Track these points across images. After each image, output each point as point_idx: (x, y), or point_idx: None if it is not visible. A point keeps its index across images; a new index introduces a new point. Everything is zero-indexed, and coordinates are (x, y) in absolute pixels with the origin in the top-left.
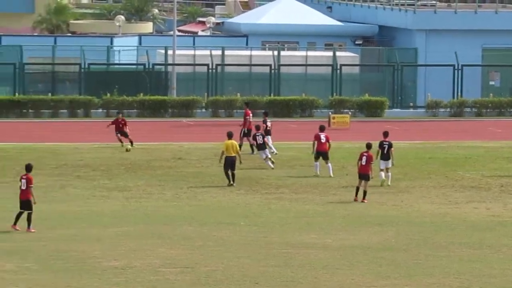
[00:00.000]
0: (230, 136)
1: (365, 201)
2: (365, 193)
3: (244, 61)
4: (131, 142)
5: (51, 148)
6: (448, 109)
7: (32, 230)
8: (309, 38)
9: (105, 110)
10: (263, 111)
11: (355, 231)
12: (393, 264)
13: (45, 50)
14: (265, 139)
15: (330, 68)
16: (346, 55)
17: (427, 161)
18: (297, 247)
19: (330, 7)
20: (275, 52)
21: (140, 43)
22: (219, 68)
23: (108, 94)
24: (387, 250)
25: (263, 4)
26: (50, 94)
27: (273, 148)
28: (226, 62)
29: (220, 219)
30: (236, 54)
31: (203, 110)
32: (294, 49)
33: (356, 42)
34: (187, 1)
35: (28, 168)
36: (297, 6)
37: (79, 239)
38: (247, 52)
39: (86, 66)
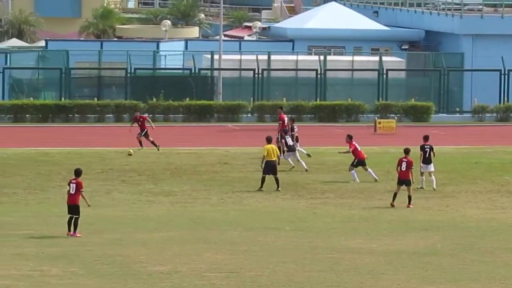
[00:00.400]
0: (269, 140)
1: (411, 206)
2: (410, 198)
3: (290, 66)
4: (155, 145)
5: (97, 152)
6: (494, 114)
7: (78, 235)
8: (355, 43)
9: (151, 115)
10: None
11: (401, 236)
12: (439, 269)
13: (92, 55)
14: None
15: (376, 73)
16: (392, 60)
17: (473, 166)
18: (343, 252)
19: (376, 12)
20: (321, 57)
21: (186, 47)
22: (265, 73)
23: (154, 99)
24: (433, 255)
25: (309, 8)
26: (96, 99)
27: (304, 152)
28: (272, 67)
29: (265, 224)
30: (282, 59)
31: (249, 115)
32: (340, 54)
33: (402, 47)
34: (234, 5)
35: (78, 173)
36: (343, 11)
37: (125, 244)
38: (293, 57)
39: (132, 71)
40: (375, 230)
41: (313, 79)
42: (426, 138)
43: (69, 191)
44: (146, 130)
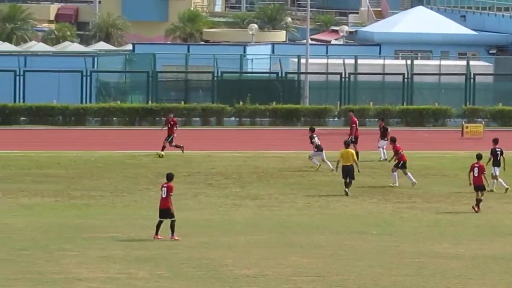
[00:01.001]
0: (347, 145)
1: (478, 210)
2: (479, 201)
3: (377, 70)
4: (179, 147)
5: (184, 156)
6: None
7: (176, 238)
8: (443, 47)
9: (237, 119)
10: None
11: (488, 241)
12: None
13: (178, 58)
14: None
15: (463, 77)
16: (479, 64)
17: None
18: (429, 256)
19: (463, 16)
20: (408, 61)
21: (273, 51)
22: (351, 77)
23: (241, 103)
24: None
25: (396, 12)
26: (182, 102)
27: (329, 164)
28: (359, 71)
29: (352, 228)
30: (369, 63)
31: (336, 118)
32: (427, 58)
33: (490, 51)
34: (321, 9)
35: (169, 177)
36: (430, 15)
37: (211, 247)
38: (380, 61)
39: (219, 74)
40: (462, 234)
41: (400, 83)
42: (496, 141)
43: (161, 195)
44: (172, 136)
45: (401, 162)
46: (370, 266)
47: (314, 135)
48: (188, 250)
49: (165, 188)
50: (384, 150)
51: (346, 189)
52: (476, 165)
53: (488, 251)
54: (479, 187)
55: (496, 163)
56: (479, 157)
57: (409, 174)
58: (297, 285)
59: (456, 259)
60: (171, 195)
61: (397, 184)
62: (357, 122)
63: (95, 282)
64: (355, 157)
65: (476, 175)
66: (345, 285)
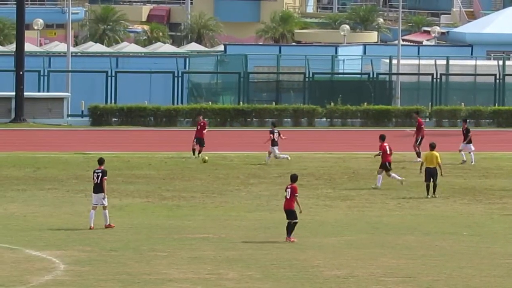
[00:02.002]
0: (433, 147)
1: None
2: None
3: (469, 71)
4: (198, 152)
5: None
6: None
7: (293, 239)
8: None
9: (328, 120)
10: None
11: None
12: None
13: (270, 59)
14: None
15: None
16: None
17: None
18: None
19: None
20: (500, 62)
21: (364, 52)
22: (443, 77)
23: (332, 103)
24: None
25: (488, 13)
26: (274, 103)
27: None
28: (450, 72)
29: (442, 228)
30: (461, 63)
31: (427, 119)
32: None
33: None
34: (413, 10)
35: (294, 178)
36: None
37: (302, 248)
38: (472, 62)
39: (311, 75)
40: None
41: (492, 84)
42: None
43: (286, 195)
44: (200, 137)
45: (383, 163)
46: (460, 267)
47: (275, 130)
48: (279, 250)
49: (290, 189)
50: (471, 153)
51: (429, 195)
52: None
53: None
54: None
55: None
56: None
57: (393, 174)
58: (387, 286)
59: None
60: (296, 195)
61: (379, 185)
62: (424, 123)
63: (186, 283)
64: (439, 160)
65: None
66: (435, 286)
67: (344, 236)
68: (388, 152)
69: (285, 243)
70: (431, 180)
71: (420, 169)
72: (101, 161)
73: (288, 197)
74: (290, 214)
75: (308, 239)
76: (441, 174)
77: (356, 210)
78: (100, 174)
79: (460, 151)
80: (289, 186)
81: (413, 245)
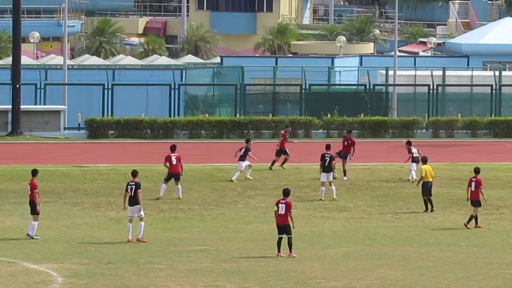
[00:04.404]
0: (425, 161)
1: (477, 226)
2: (475, 218)
3: (465, 82)
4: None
5: (272, 168)
6: None
7: (294, 255)
8: None
9: (325, 131)
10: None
11: None
12: None
13: (267, 71)
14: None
15: None
16: None
17: None
18: None
19: None
20: (497, 72)
21: (361, 63)
22: (440, 88)
23: (329, 115)
24: None
25: (484, 24)
26: (270, 114)
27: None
28: (447, 83)
29: (440, 239)
30: (457, 74)
31: (424, 130)
32: None
33: None
34: (409, 21)
35: (286, 192)
36: None
37: (299, 260)
38: (468, 73)
39: (307, 86)
40: None
41: (488, 95)
42: (327, 147)
43: (277, 211)
44: (283, 149)
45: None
46: (458, 278)
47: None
48: (276, 262)
49: (283, 205)
50: None
51: (428, 210)
52: (473, 179)
53: None
54: (474, 202)
55: (325, 169)
56: (477, 171)
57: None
58: None
59: None
60: (291, 211)
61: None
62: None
63: None
64: (433, 173)
65: (473, 189)
66: None
67: (342, 247)
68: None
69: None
70: (430, 194)
71: (418, 183)
72: (134, 174)
73: (282, 212)
74: (284, 229)
75: (306, 250)
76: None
77: (354, 222)
78: (134, 186)
79: None
80: (282, 201)
81: (410, 256)
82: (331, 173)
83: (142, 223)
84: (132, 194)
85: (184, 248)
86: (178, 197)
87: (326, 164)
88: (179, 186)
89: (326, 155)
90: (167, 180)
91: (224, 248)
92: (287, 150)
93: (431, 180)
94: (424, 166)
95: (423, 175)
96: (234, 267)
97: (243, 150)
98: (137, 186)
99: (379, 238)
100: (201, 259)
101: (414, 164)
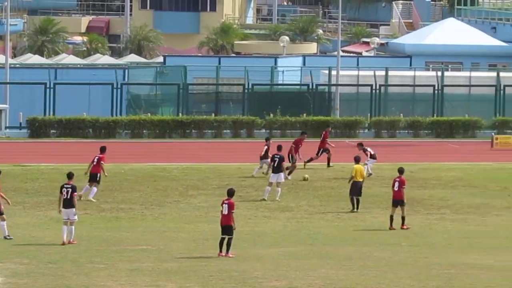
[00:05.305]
0: (357, 160)
1: (404, 227)
2: (403, 218)
3: (408, 82)
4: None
5: (214, 168)
6: None
7: (231, 255)
8: (473, 58)
9: (268, 131)
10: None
11: None
12: None
13: (209, 70)
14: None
15: (493, 88)
16: (510, 76)
17: None
18: (459, 267)
19: (494, 28)
20: (439, 73)
21: (304, 63)
22: (382, 88)
23: (271, 115)
24: None
25: (427, 24)
26: (213, 114)
27: None
28: (389, 83)
29: (381, 239)
30: (400, 74)
31: (366, 130)
32: (458, 69)
33: None
34: (352, 21)
35: (231, 193)
36: (461, 27)
37: (241, 259)
38: (411, 73)
39: (250, 86)
40: (491, 246)
41: (431, 95)
42: (279, 148)
43: (222, 211)
44: (322, 149)
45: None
46: (399, 277)
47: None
48: (218, 262)
49: (227, 205)
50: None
51: (354, 209)
52: (397, 179)
53: None
54: (398, 201)
55: (274, 170)
56: (400, 171)
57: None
58: None
59: (485, 270)
60: (233, 212)
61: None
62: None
63: None
64: (364, 173)
65: (396, 189)
66: None
67: (283, 247)
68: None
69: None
70: (358, 194)
71: (349, 182)
72: (70, 176)
73: (225, 212)
74: (227, 230)
75: (248, 250)
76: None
77: (295, 221)
78: (70, 189)
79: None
80: (226, 202)
81: (352, 256)
82: (281, 174)
83: (73, 227)
84: (68, 197)
85: (125, 248)
86: (88, 198)
87: (276, 165)
88: (94, 188)
89: (276, 155)
90: (90, 180)
91: (166, 248)
92: (329, 149)
93: (361, 180)
94: (355, 166)
95: (353, 175)
96: (175, 267)
97: (264, 149)
98: (73, 189)
99: (320, 238)
100: (142, 259)
101: (373, 160)
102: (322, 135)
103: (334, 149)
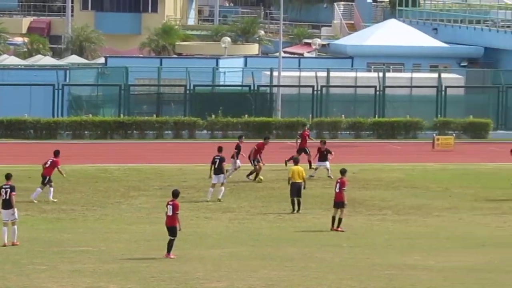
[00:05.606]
0: (296, 161)
1: (340, 229)
2: (340, 220)
3: (349, 83)
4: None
5: (156, 169)
6: None
7: (172, 256)
8: (414, 59)
9: (209, 132)
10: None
11: (458, 252)
12: (496, 285)
13: (151, 71)
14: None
15: (435, 89)
16: (451, 77)
17: None
18: (400, 268)
19: (435, 29)
20: (380, 74)
21: (245, 64)
22: (324, 89)
23: (213, 116)
24: (491, 271)
25: (369, 25)
26: (155, 115)
27: None
28: (331, 84)
29: (323, 240)
30: (341, 75)
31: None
32: (399, 70)
33: (461, 64)
34: (293, 22)
35: (175, 194)
36: (402, 28)
37: (182, 260)
38: (352, 74)
39: (191, 87)
40: (432, 246)
41: (372, 96)
42: (219, 149)
43: (167, 212)
44: (301, 148)
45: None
46: (340, 278)
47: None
48: (159, 263)
49: (171, 206)
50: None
51: (295, 210)
52: (338, 180)
53: (459, 263)
54: (337, 203)
55: (216, 171)
56: (342, 172)
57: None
58: None
59: (426, 270)
60: (178, 213)
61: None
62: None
63: None
64: (304, 174)
65: (337, 190)
66: None
67: (225, 248)
68: None
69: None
70: (298, 195)
71: (288, 182)
72: (8, 177)
73: (170, 213)
74: (171, 231)
75: (189, 251)
76: (304, 187)
77: (237, 222)
78: (9, 189)
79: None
80: (170, 203)
81: (293, 257)
82: (222, 175)
83: (15, 227)
84: (7, 197)
85: (67, 249)
86: (47, 199)
87: (217, 166)
88: (51, 188)
89: (217, 157)
90: (42, 182)
91: (107, 249)
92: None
93: (300, 181)
94: (293, 167)
95: (290, 176)
96: (116, 268)
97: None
98: (12, 189)
99: (262, 239)
100: (83, 260)
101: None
102: (301, 135)
103: (278, 150)
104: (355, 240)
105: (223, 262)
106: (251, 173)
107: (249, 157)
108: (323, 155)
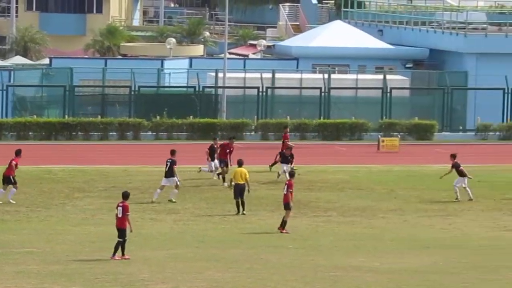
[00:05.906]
0: (240, 164)
1: (285, 231)
2: (285, 222)
3: (295, 84)
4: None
5: (100, 170)
6: (498, 133)
7: (117, 258)
8: (360, 61)
9: (154, 133)
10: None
11: (403, 254)
12: (441, 287)
13: (96, 72)
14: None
15: (380, 91)
16: (396, 79)
17: (476, 184)
18: (345, 270)
19: (381, 31)
20: (326, 75)
21: (190, 65)
22: (269, 91)
23: (158, 117)
24: (435, 273)
25: (314, 27)
26: (99, 116)
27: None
28: (276, 85)
29: (268, 242)
30: (287, 77)
31: (253, 133)
32: (345, 72)
33: (407, 66)
34: (239, 24)
35: (125, 196)
36: (348, 29)
37: (127, 262)
38: (298, 75)
39: (136, 88)
40: (377, 248)
41: (317, 97)
42: (172, 152)
43: (117, 214)
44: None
45: None
46: (285, 280)
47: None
48: (104, 264)
49: (121, 208)
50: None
51: (239, 212)
52: (286, 182)
53: (403, 264)
54: (285, 205)
55: (166, 174)
56: (291, 174)
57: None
58: None
59: (371, 272)
60: (128, 214)
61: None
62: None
63: None
64: (247, 176)
65: (284, 192)
66: None
67: (170, 249)
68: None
69: (109, 257)
70: (241, 196)
71: (230, 186)
72: None
73: (119, 215)
74: (121, 232)
75: (134, 252)
76: (248, 191)
77: (182, 224)
78: None
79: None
80: (120, 204)
81: (238, 258)
82: (171, 178)
83: None
84: None
85: (11, 250)
86: (8, 200)
87: (167, 169)
88: (13, 189)
89: (168, 160)
90: (2, 183)
91: (52, 250)
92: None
93: (242, 182)
94: (236, 169)
95: (232, 177)
96: (61, 269)
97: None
98: None
99: (207, 240)
100: (28, 261)
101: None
102: (283, 137)
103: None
104: (300, 241)
105: (168, 263)
106: (219, 174)
107: (218, 159)
108: (285, 158)
